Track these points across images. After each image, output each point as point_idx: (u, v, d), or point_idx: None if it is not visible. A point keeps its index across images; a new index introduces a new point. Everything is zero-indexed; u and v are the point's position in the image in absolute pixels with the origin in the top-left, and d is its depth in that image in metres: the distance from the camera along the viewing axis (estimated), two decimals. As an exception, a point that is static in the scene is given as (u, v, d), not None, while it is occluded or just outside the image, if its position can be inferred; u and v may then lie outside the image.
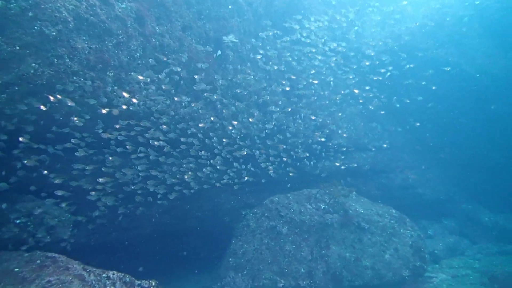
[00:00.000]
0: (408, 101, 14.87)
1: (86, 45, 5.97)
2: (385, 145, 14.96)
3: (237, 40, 9.51)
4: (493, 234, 14.16)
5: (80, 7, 5.88)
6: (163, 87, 7.39)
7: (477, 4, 15.43)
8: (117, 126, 6.77)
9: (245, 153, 10.30)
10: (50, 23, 5.32)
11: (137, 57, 7.04)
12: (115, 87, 6.51)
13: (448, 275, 10.91)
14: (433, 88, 14.57)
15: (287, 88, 11.61)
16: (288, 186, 12.96)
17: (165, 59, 7.68)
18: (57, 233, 6.15)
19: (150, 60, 7.28)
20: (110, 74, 6.42)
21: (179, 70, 7.90)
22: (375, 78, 13.69)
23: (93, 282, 4.89)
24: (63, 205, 6.21)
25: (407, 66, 14.31)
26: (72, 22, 5.68)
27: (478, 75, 14.89)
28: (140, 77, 7.00)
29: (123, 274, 5.47)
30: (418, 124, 15.26)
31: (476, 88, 15.01)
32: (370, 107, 14.48)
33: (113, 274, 5.35)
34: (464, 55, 15.21)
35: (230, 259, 9.90)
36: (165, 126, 7.58)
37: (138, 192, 8.09)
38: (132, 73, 7.01)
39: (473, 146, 15.98)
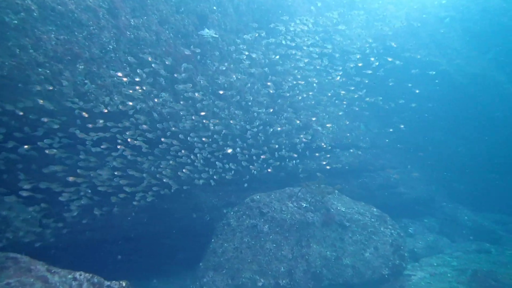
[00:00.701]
0: (391, 102, 14.98)
1: (53, 35, 5.71)
2: (364, 145, 15.01)
3: (217, 35, 9.33)
4: (471, 232, 14.38)
5: (46, -5, 5.62)
6: (138, 81, 7.14)
7: (457, 5, 15.67)
8: (90, 126, 6.52)
9: (230, 151, 10.18)
10: (11, 10, 5.05)
11: (110, 50, 6.79)
12: (86, 81, 6.25)
13: (427, 273, 10.99)
14: (417, 91, 14.70)
15: (271, 91, 11.53)
16: (271, 185, 12.88)
17: (142, 55, 7.46)
18: (23, 233, 5.85)
19: (124, 54, 7.03)
20: (81, 67, 6.16)
21: (156, 65, 7.67)
22: (358, 79, 13.74)
23: (57, 284, 4.65)
24: (31, 208, 5.92)
25: (390, 66, 14.36)
26: (36, 11, 5.41)
27: (457, 75, 15.11)
28: (119, 74, 6.75)
29: (91, 275, 5.24)
30: (402, 126, 15.39)
31: (455, 88, 15.24)
32: (356, 108, 14.53)
33: (80, 275, 5.12)
34: (445, 55, 15.42)
35: (209, 258, 9.72)
36: (144, 126, 7.35)
37: (113, 191, 7.83)
38: (111, 71, 6.76)
39: (453, 146, 16.24)
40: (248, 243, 9.86)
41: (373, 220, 11.31)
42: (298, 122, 12.61)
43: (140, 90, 7.03)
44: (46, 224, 6.50)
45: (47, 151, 6.20)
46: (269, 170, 11.39)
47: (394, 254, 10.69)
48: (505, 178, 16.20)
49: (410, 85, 15.08)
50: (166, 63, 7.81)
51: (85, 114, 6.24)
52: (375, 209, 11.84)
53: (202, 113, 9.08)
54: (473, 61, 15.30)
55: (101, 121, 6.52)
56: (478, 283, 9.69)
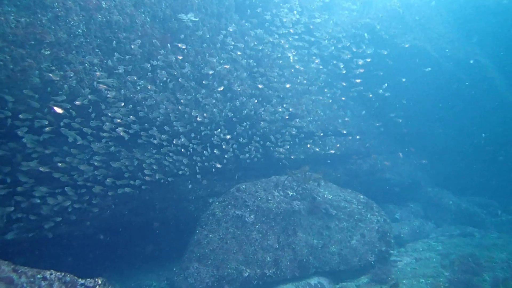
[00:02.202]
0: (377, 89, 14.85)
1: (12, 17, 5.23)
2: (351, 132, 14.91)
3: (197, 19, 8.90)
4: (455, 216, 14.57)
5: (2, -27, 5.12)
6: (112, 68, 6.71)
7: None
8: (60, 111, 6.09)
9: (229, 137, 9.99)
10: (-40, -11, 4.58)
11: (79, 34, 6.33)
12: (53, 67, 5.81)
13: (413, 258, 11.07)
14: (403, 80, 14.58)
15: (258, 80, 11.24)
16: (257, 173, 12.71)
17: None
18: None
19: (95, 38, 6.56)
20: (46, 52, 5.71)
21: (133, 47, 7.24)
22: (341, 66, 13.52)
23: (24, 285, 4.35)
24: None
25: (375, 52, 14.14)
26: (-10, -10, 4.93)
27: (442, 60, 15.02)
28: (95, 60, 6.30)
29: (62, 274, 4.95)
30: (393, 115, 15.32)
31: (440, 73, 15.17)
32: (342, 98, 14.37)
33: (51, 274, 4.82)
34: (430, 40, 15.29)
35: (194, 250, 9.53)
36: (119, 117, 6.96)
37: (90, 184, 7.49)
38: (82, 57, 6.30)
39: (437, 131, 16.30)
40: (233, 233, 9.69)
41: (359, 207, 11.28)
42: (284, 110, 12.37)
43: (114, 82, 6.62)
44: (15, 218, 6.13)
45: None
46: (256, 156, 11.15)
47: (380, 240, 10.72)
48: (487, 162, 16.41)
49: (394, 70, 14.96)
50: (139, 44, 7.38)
51: (58, 110, 5.82)
52: (361, 196, 11.81)
53: (182, 101, 8.72)
54: (458, 46, 15.22)
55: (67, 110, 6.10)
56: (461, 267, 9.78)
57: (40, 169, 6.15)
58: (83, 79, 6.32)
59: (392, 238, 11.02)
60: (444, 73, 15.16)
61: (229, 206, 10.16)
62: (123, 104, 7.22)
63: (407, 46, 14.16)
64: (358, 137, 15.37)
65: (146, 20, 7.92)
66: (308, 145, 13.62)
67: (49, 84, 5.80)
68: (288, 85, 12.57)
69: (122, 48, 7.27)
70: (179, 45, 8.47)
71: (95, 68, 6.57)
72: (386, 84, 14.49)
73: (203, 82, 9.37)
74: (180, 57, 8.51)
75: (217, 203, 10.38)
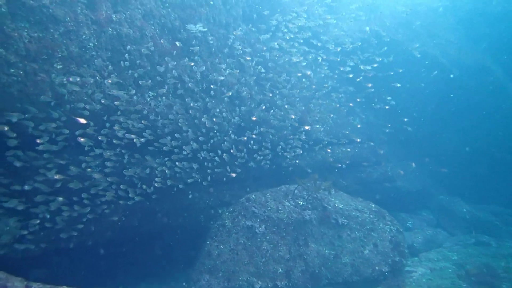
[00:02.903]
0: (386, 96, 14.72)
1: (25, 33, 5.26)
2: (360, 139, 14.75)
3: (205, 29, 8.92)
4: (469, 225, 14.24)
5: (15, -11, 5.16)
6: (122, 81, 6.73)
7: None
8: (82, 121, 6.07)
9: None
10: (-25, 6, 4.61)
11: (90, 48, 6.36)
12: (65, 81, 5.82)
13: (427, 268, 10.80)
14: (408, 85, 14.46)
15: (266, 87, 11.21)
16: (266, 181, 12.60)
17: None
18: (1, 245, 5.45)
19: (106, 51, 6.59)
20: (58, 66, 5.73)
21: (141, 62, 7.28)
22: (351, 71, 13.43)
23: (37, 301, 4.30)
24: (11, 219, 5.50)
25: (384, 58, 14.05)
26: (4, 6, 4.96)
27: (451, 66, 14.86)
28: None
29: (75, 290, 4.89)
30: (403, 121, 15.18)
31: (450, 80, 15.00)
32: (350, 104, 14.27)
33: (63, 290, 4.76)
34: (439, 46, 15.16)
35: (204, 261, 9.42)
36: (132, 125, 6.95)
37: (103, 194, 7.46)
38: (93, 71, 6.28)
39: (448, 138, 16.06)
40: (244, 244, 9.57)
41: (371, 216, 11.08)
42: (293, 117, 12.30)
43: (125, 94, 6.63)
44: (26, 234, 6.10)
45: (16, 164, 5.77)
46: (266, 163, 11.08)
47: (394, 250, 10.49)
48: (501, 169, 16.09)
49: (402, 76, 14.83)
50: (149, 56, 7.41)
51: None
52: (373, 205, 11.62)
53: (191, 108, 8.67)
54: (467, 52, 15.07)
55: (82, 121, 6.10)
56: (478, 278, 9.51)
57: (56, 177, 6.13)
58: (95, 92, 6.33)
59: (406, 248, 10.79)
60: (453, 79, 15.00)
61: (239, 217, 10.06)
62: (134, 113, 7.22)
63: (418, 55, 14.05)
64: (367, 144, 15.20)
65: (156, 32, 7.95)
66: (316, 152, 13.51)
67: (61, 97, 5.82)
68: (296, 91, 12.50)
69: (132, 60, 7.29)
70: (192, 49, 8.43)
71: (106, 80, 6.58)
72: (389, 98, 14.36)
73: (211, 87, 9.32)
74: (192, 64, 8.51)
75: (227, 213, 10.29)
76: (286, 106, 12.15)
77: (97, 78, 6.45)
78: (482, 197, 15.48)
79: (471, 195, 15.59)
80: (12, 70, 5.10)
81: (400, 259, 10.36)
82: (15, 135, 5.35)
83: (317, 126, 13.33)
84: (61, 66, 5.74)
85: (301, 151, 12.52)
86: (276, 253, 9.53)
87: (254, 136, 10.97)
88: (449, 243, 13.26)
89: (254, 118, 11.10)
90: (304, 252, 9.83)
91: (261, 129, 11.10)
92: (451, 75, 14.77)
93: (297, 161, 12.89)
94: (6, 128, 5.21)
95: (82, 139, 6.27)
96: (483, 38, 15.23)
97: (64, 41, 5.84)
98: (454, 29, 15.41)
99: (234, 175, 10.51)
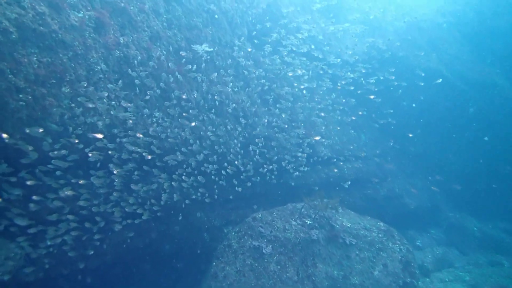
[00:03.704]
0: (391, 111, 14.67)
1: (35, 58, 5.30)
2: (366, 156, 14.63)
3: (211, 49, 8.98)
4: (481, 243, 13.89)
5: (26, 16, 5.21)
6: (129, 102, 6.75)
7: (454, 11, 15.47)
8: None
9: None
10: (-14, 34, 4.65)
11: (98, 71, 6.39)
12: (72, 104, 5.83)
13: (440, 290, 10.50)
14: (412, 103, 14.42)
15: (270, 103, 11.22)
16: (272, 198, 12.48)
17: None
18: (6, 271, 5.35)
19: (113, 73, 6.62)
20: (66, 90, 5.75)
21: (150, 84, 7.31)
22: (349, 83, 13.46)
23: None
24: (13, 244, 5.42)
25: (389, 74, 14.05)
26: (15, 33, 5.01)
27: (458, 81, 14.82)
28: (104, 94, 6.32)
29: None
30: (410, 135, 15.09)
31: (456, 95, 14.94)
32: (353, 117, 14.22)
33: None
34: (444, 62, 15.15)
35: (210, 284, 9.21)
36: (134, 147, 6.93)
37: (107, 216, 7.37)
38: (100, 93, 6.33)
39: (456, 154, 15.86)
40: (251, 265, 9.36)
41: (380, 235, 10.85)
42: (298, 133, 12.25)
43: (133, 117, 6.64)
44: (32, 258, 6.00)
45: (28, 183, 5.75)
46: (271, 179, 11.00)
47: (404, 271, 10.22)
48: (511, 185, 15.80)
49: (409, 92, 14.82)
50: (155, 76, 7.44)
51: (99, 135, 5.82)
52: (381, 224, 11.40)
53: (193, 124, 8.66)
54: (473, 66, 15.04)
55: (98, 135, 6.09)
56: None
57: (67, 193, 6.08)
58: (102, 114, 6.33)
59: (417, 269, 10.51)
60: (459, 94, 14.93)
61: (245, 237, 9.88)
62: (140, 134, 7.22)
63: (422, 71, 14.04)
64: (373, 160, 15.06)
65: (162, 53, 8.01)
66: (322, 169, 13.39)
67: (68, 120, 5.82)
68: (300, 104, 12.47)
69: (139, 81, 7.31)
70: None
71: (113, 102, 6.59)
72: (391, 111, 14.31)
73: (215, 98, 9.31)
74: (198, 76, 8.48)
75: (233, 233, 10.12)
76: (291, 122, 12.13)
77: (104, 100, 6.45)
78: (493, 214, 15.15)
79: (481, 212, 15.27)
80: (21, 95, 5.12)
81: (411, 280, 10.08)
82: (31, 148, 5.33)
83: (322, 140, 13.24)
84: (69, 90, 5.76)
85: (306, 168, 12.42)
86: (284, 275, 9.31)
87: (257, 148, 10.89)
88: (461, 263, 12.92)
89: (257, 130, 11.10)
90: (312, 273, 9.59)
91: (261, 141, 11.01)
92: (458, 90, 14.72)
93: (302, 178, 12.78)
94: (30, 148, 5.23)
95: (91, 153, 6.26)
96: (489, 53, 15.21)
97: (73, 65, 5.88)
98: (459, 44, 15.43)
99: (240, 189, 10.39)
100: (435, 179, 15.51)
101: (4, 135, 5.03)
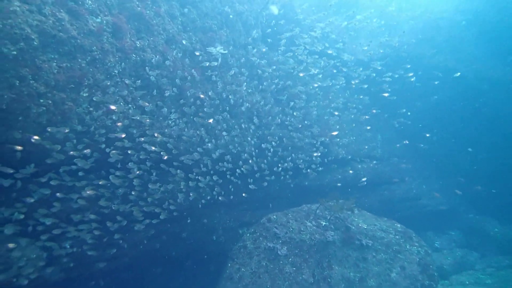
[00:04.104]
0: (408, 111, 14.41)
1: (54, 63, 5.42)
2: (382, 156, 14.41)
3: (226, 51, 9.01)
4: (502, 246, 13.48)
5: (46, 23, 5.33)
6: (146, 105, 6.84)
7: (473, 8, 15.04)
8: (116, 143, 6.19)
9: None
10: (9, 41, 4.78)
11: (115, 74, 6.50)
12: (91, 108, 5.95)
13: (460, 293, 10.24)
14: (435, 96, 14.11)
15: (285, 97, 11.18)
16: (287, 200, 12.45)
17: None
18: (27, 272, 5.49)
19: (130, 77, 6.72)
20: (84, 94, 5.87)
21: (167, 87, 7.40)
22: (366, 86, 13.27)
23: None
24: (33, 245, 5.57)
25: (406, 74, 13.78)
26: (36, 40, 5.14)
27: (476, 81, 14.42)
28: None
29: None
30: (428, 135, 14.80)
31: (475, 94, 14.54)
32: (366, 116, 14.04)
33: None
34: (462, 60, 14.77)
35: (226, 284, 9.24)
36: (152, 147, 7.03)
37: (123, 217, 7.49)
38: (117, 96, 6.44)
39: (475, 154, 15.44)
40: (266, 267, 9.35)
41: (397, 237, 10.67)
42: (312, 132, 12.17)
43: (148, 120, 6.74)
44: (51, 258, 6.15)
45: (53, 183, 5.91)
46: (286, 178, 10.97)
47: (423, 273, 10.02)
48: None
49: (427, 91, 14.52)
50: (171, 78, 7.52)
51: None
52: (398, 225, 11.21)
53: (210, 121, 8.69)
54: (492, 65, 14.59)
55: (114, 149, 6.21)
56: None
57: (88, 192, 6.23)
58: (119, 118, 6.44)
59: (435, 271, 10.28)
60: (480, 94, 14.53)
61: (260, 238, 9.88)
62: (157, 134, 7.31)
63: (440, 75, 13.76)
64: (389, 160, 14.83)
65: (177, 56, 8.08)
66: (337, 170, 13.26)
67: (87, 123, 5.94)
68: (314, 102, 12.37)
69: (155, 84, 7.41)
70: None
71: (129, 105, 6.70)
72: (404, 110, 14.04)
73: (229, 97, 9.33)
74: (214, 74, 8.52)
75: (248, 234, 10.13)
76: (306, 123, 12.05)
77: (121, 104, 6.55)
78: (514, 216, 14.71)
79: (502, 214, 14.83)
80: (41, 101, 5.25)
81: (430, 283, 9.87)
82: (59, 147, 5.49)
83: (337, 139, 13.09)
84: (87, 94, 5.88)
85: (321, 168, 12.32)
86: (299, 276, 9.26)
87: (272, 147, 10.86)
88: (481, 265, 12.58)
89: (271, 130, 11.09)
90: (328, 275, 9.51)
91: (276, 141, 10.97)
92: (478, 88, 14.33)
93: (317, 179, 12.69)
94: (58, 148, 5.36)
95: (112, 153, 6.39)
96: (510, 51, 14.71)
97: (91, 69, 6.00)
98: (479, 43, 14.99)
99: (253, 187, 10.37)
100: (455, 181, 15.15)
101: (36, 137, 5.20)
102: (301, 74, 11.91)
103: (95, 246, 7.10)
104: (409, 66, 13.52)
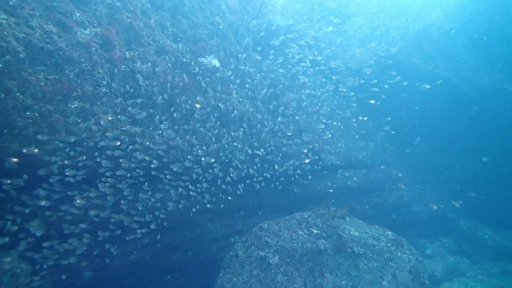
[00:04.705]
0: (400, 119, 14.56)
1: (42, 76, 5.41)
2: (374, 163, 14.51)
3: (219, 65, 9.05)
4: (493, 252, 13.57)
5: (33, 35, 5.33)
6: (135, 117, 6.83)
7: (462, 17, 15.30)
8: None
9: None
10: (-5, 54, 4.77)
11: (104, 85, 6.49)
12: (79, 120, 5.92)
13: (451, 301, 10.28)
14: (416, 107, 14.29)
15: (274, 107, 11.23)
16: (279, 208, 12.45)
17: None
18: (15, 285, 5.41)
19: (120, 87, 6.71)
20: (73, 106, 5.84)
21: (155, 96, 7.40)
22: (355, 94, 13.41)
23: None
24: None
25: (396, 82, 13.94)
26: (23, 52, 5.12)
27: (467, 88, 14.63)
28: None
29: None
30: (418, 139, 14.95)
31: (466, 102, 14.73)
32: (358, 124, 14.15)
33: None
34: (452, 68, 14.98)
35: (217, 295, 9.18)
36: (141, 157, 7.00)
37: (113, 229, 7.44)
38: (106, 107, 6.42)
39: (467, 161, 15.62)
40: (257, 276, 9.31)
41: (389, 245, 10.70)
42: (302, 140, 12.22)
43: (137, 129, 6.72)
44: (40, 273, 6.08)
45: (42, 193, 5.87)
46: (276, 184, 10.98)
47: (414, 281, 10.04)
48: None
49: (417, 98, 14.69)
50: (161, 89, 7.54)
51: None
52: (390, 233, 11.24)
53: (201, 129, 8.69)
54: (483, 73, 14.80)
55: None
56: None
57: (78, 201, 6.19)
58: (107, 128, 6.42)
59: (427, 279, 10.32)
60: (470, 101, 14.72)
61: (252, 247, 9.84)
62: (148, 142, 7.29)
63: (428, 87, 13.94)
64: (381, 167, 14.91)
65: (168, 66, 8.09)
66: (329, 177, 13.31)
67: (75, 134, 5.91)
68: (304, 116, 12.44)
69: (145, 94, 7.41)
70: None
71: (119, 116, 6.68)
72: (389, 118, 14.19)
73: (219, 105, 9.34)
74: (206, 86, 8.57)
75: (239, 243, 10.09)
76: (296, 130, 12.11)
77: (111, 114, 6.54)
78: (505, 223, 14.82)
79: (493, 221, 14.95)
80: (28, 113, 5.22)
81: (421, 291, 9.90)
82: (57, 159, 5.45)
83: (329, 149, 13.17)
84: (75, 106, 5.85)
85: (310, 176, 12.35)
86: (291, 286, 9.23)
87: (262, 154, 10.88)
88: (473, 272, 12.63)
89: (262, 137, 11.12)
90: (320, 284, 9.50)
91: (266, 149, 10.99)
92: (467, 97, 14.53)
93: (309, 186, 12.72)
94: (55, 159, 5.33)
95: (104, 161, 6.36)
96: (499, 59, 14.95)
97: (79, 81, 5.99)
98: (468, 51, 15.23)
99: (242, 191, 10.35)
100: (447, 187, 15.29)
101: (36, 150, 5.18)
102: (293, 81, 12.00)
103: (85, 256, 7.03)
104: (394, 73, 13.70)
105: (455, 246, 14.56)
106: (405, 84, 14.16)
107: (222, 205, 10.41)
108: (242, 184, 10.28)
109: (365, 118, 14.51)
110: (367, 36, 16.14)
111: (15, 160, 5.11)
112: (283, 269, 9.44)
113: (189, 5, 8.86)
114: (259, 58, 11.17)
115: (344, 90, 13.28)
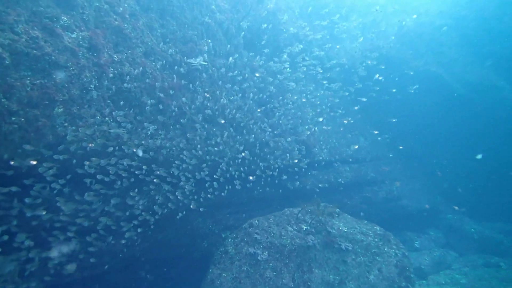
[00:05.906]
0: (390, 113, 14.72)
1: (28, 81, 5.48)
2: (364, 158, 14.71)
3: (206, 62, 9.10)
4: (478, 245, 13.93)
5: (19, 41, 5.39)
6: (122, 119, 6.91)
7: (453, 13, 15.42)
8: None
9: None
10: (-21, 62, 4.83)
11: (92, 89, 6.56)
12: (66, 123, 6.01)
13: (435, 294, 10.58)
14: (415, 100, 14.44)
15: (264, 106, 11.33)
16: (269, 203, 12.62)
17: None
18: None
19: (107, 90, 6.78)
20: (59, 110, 5.93)
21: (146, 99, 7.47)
22: (352, 89, 13.52)
23: None
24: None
25: (387, 77, 14.08)
26: (8, 58, 5.19)
27: (456, 84, 14.81)
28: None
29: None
30: (410, 136, 15.14)
31: (455, 97, 14.93)
32: (349, 120, 14.28)
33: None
34: (443, 64, 15.14)
35: (207, 290, 9.38)
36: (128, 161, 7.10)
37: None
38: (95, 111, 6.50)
39: (455, 155, 15.88)
40: (247, 272, 9.52)
41: (376, 240, 10.95)
42: (295, 137, 12.35)
43: (124, 131, 6.80)
44: (28, 274, 6.22)
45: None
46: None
47: (400, 275, 10.32)
48: (510, 186, 15.77)
49: (408, 94, 14.85)
50: (149, 91, 7.61)
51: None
52: (378, 228, 11.48)
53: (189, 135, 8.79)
54: (472, 69, 14.99)
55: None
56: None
57: (63, 207, 6.30)
58: (95, 131, 6.51)
59: (412, 273, 10.59)
60: (459, 97, 14.92)
61: (241, 243, 10.03)
62: (135, 148, 7.38)
63: (416, 87, 14.12)
64: (372, 162, 15.13)
65: (156, 68, 8.15)
66: (320, 172, 13.48)
67: (62, 140, 6.00)
68: (295, 112, 12.56)
69: (133, 97, 7.48)
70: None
71: (107, 119, 6.76)
72: (391, 116, 14.34)
73: (210, 106, 9.43)
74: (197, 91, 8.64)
75: (229, 239, 10.27)
76: (288, 127, 12.23)
77: (98, 117, 6.62)
78: (490, 216, 15.17)
79: (479, 214, 15.29)
80: (13, 118, 5.31)
81: (407, 284, 10.17)
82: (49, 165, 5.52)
83: (321, 145, 13.33)
84: (62, 110, 5.94)
85: (303, 170, 12.49)
86: (280, 281, 9.46)
87: (255, 152, 11.01)
88: (458, 265, 12.97)
89: (254, 136, 11.26)
90: (308, 279, 9.72)
91: (258, 147, 11.12)
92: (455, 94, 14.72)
93: (300, 182, 12.89)
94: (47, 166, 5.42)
95: (87, 162, 6.45)
96: (489, 55, 15.13)
97: (66, 85, 6.06)
98: (459, 47, 15.38)
99: (238, 186, 10.53)
100: (436, 181, 15.56)
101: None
102: (282, 79, 12.10)
103: (74, 256, 7.18)
104: (383, 67, 13.81)
105: (443, 239, 14.92)
106: (396, 79, 14.32)
107: (213, 202, 10.54)
108: (233, 183, 10.41)
109: (358, 116, 14.67)
110: (360, 32, 16.19)
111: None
112: (272, 265, 9.65)
113: (178, 5, 8.88)
114: (246, 59, 11.22)
115: (335, 86, 13.40)
